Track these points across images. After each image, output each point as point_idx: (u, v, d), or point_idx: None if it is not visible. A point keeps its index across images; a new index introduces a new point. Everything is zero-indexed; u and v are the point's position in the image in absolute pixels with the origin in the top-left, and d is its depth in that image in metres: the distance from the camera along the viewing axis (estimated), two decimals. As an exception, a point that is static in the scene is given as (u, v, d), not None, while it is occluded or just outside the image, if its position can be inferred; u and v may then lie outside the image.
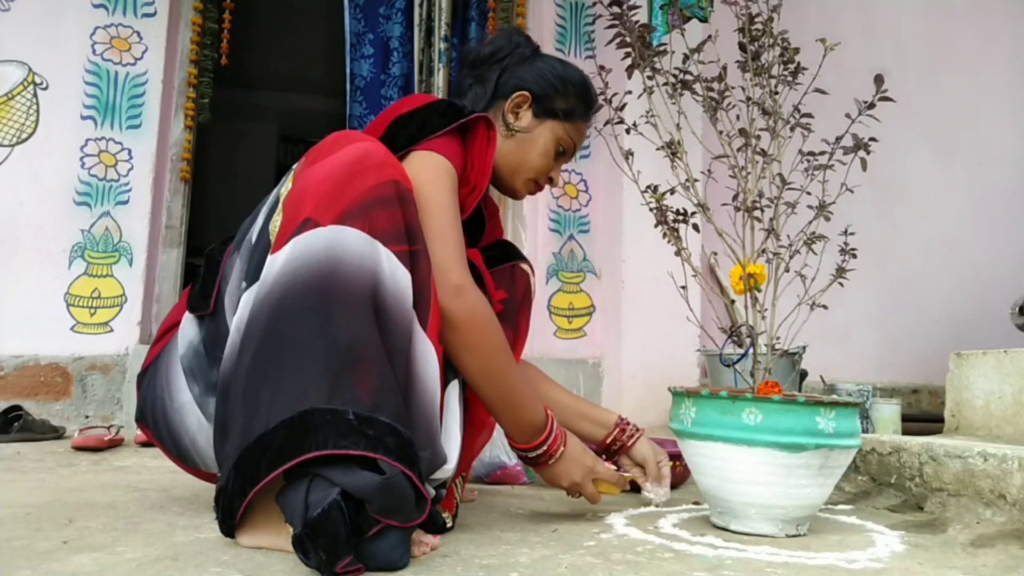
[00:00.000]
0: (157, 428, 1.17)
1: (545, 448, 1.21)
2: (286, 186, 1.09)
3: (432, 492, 1.00)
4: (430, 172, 1.14)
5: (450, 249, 1.11)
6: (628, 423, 1.43)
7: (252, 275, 1.03)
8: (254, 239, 1.09)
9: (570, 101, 1.33)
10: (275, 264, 0.96)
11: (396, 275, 0.98)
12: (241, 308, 1.01)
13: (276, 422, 0.89)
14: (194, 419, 1.12)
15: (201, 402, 1.11)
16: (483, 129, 1.23)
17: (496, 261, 1.35)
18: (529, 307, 1.39)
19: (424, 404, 1.00)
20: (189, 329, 1.15)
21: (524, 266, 1.38)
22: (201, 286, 1.16)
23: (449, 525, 1.15)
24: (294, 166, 1.14)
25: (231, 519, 0.96)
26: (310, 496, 0.87)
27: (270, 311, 0.94)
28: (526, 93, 1.32)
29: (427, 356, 1.02)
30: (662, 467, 1.42)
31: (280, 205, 1.05)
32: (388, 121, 1.21)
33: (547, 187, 1.39)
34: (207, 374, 1.11)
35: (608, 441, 1.42)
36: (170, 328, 1.20)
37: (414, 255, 1.02)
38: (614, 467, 1.38)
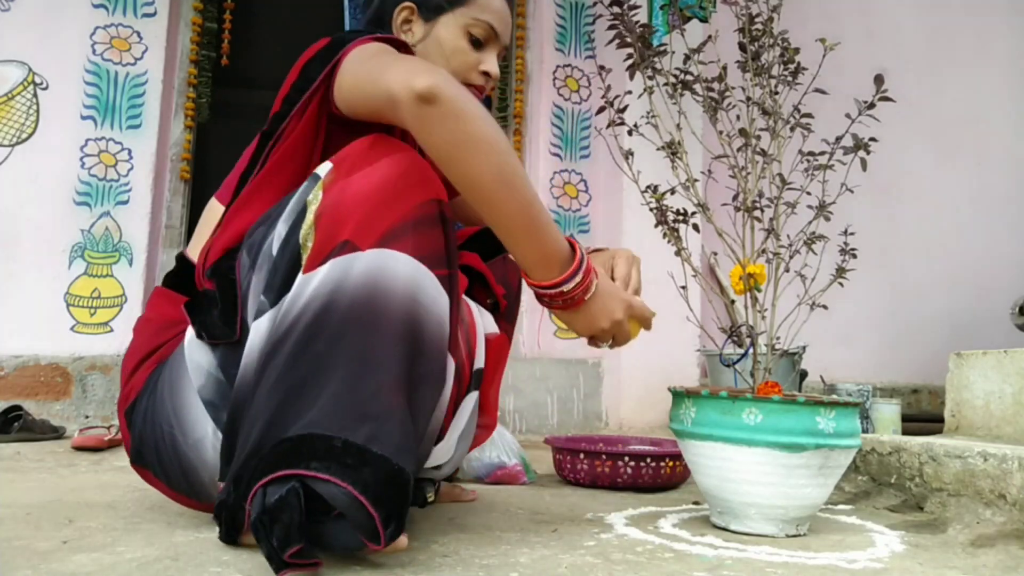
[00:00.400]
0: (164, 466, 1.08)
1: (580, 277, 1.01)
2: (314, 194, 0.96)
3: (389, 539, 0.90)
4: (377, 55, 1.00)
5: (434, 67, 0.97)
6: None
7: (278, 290, 0.95)
8: (275, 251, 0.98)
9: None
10: (308, 285, 0.91)
11: (439, 302, 0.94)
12: (263, 323, 0.95)
13: (276, 440, 0.86)
14: (215, 453, 1.02)
15: None
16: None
17: (485, 254, 1.32)
18: (520, 296, 1.39)
19: (431, 427, 1.02)
20: (200, 357, 1.05)
21: None
22: (221, 312, 1.04)
23: (431, 499, 1.14)
24: (319, 171, 0.98)
25: (236, 533, 0.95)
26: (269, 486, 0.85)
27: (298, 336, 0.89)
28: (408, 4, 1.20)
29: (450, 379, 1.02)
30: (616, 266, 1.17)
31: (311, 216, 0.94)
32: (299, 69, 1.11)
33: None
34: None
35: None
36: (145, 357, 1.12)
37: (451, 279, 0.98)
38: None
